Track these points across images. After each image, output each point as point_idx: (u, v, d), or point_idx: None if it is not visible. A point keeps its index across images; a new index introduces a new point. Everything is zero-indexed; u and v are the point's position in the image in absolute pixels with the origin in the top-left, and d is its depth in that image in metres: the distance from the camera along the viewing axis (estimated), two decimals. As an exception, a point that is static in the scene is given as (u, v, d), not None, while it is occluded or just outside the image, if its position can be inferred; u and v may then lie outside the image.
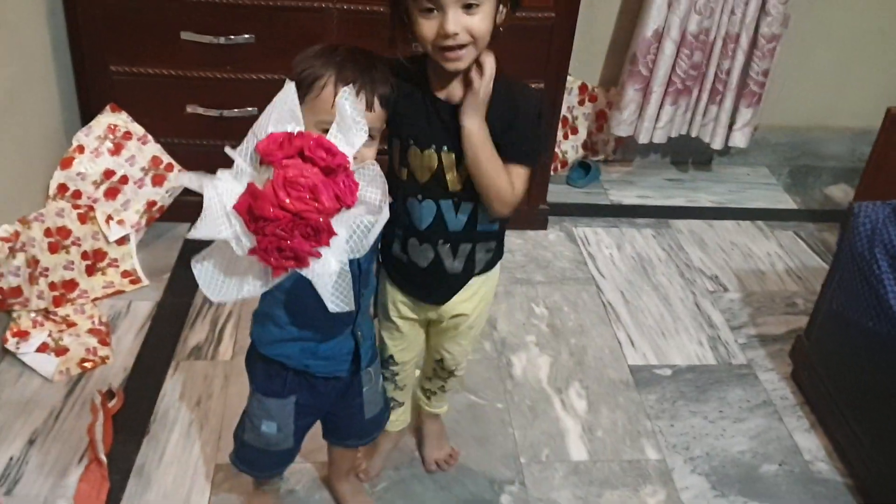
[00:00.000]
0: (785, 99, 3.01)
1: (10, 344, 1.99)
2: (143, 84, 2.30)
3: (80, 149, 2.25)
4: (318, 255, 1.10)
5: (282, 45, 2.27)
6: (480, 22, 1.24)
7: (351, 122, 1.12)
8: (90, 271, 2.23)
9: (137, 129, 2.32)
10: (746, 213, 2.87)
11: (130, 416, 1.88)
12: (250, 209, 1.06)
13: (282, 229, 1.06)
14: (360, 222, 1.13)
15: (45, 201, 2.18)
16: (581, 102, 2.89)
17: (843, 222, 1.93)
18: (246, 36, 2.25)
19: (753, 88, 2.73)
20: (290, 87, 1.13)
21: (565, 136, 2.88)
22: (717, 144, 2.85)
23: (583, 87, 2.87)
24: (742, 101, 2.76)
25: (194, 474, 1.76)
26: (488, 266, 1.53)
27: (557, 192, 2.80)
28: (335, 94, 1.20)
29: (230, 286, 1.14)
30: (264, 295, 1.21)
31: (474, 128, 1.32)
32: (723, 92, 2.74)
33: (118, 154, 2.28)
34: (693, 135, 2.85)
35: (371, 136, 1.19)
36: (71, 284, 2.17)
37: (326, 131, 1.14)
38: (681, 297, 2.43)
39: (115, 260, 2.28)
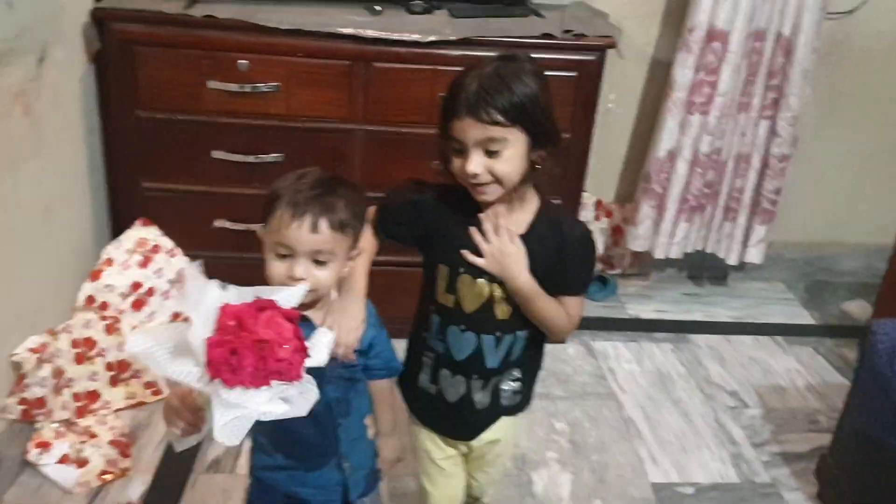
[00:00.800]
0: (798, 215, 3.06)
1: (32, 455, 2.00)
2: (174, 199, 2.38)
3: (109, 262, 2.31)
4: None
5: (310, 162, 2.27)
6: (503, 164, 1.31)
7: (193, 291, 1.08)
8: (114, 382, 2.25)
9: (166, 243, 2.38)
10: (764, 329, 2.88)
11: None
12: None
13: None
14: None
15: (73, 313, 2.23)
16: (597, 218, 2.96)
17: (863, 341, 1.94)
18: (275, 155, 2.34)
19: (766, 206, 2.78)
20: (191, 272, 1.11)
21: (582, 251, 2.93)
22: (732, 260, 2.89)
23: (598, 204, 2.94)
24: (756, 218, 2.81)
25: (211, 593, 1.74)
26: (516, 408, 1.53)
27: (575, 306, 2.83)
28: (286, 218, 1.24)
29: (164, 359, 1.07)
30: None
31: (519, 284, 1.38)
32: (737, 209, 2.80)
33: (146, 266, 2.34)
34: (708, 250, 2.90)
35: (319, 262, 1.26)
36: (94, 395, 2.19)
37: (280, 255, 1.25)
38: (701, 412, 2.42)
39: (139, 371, 2.31)
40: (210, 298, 1.08)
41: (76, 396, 2.14)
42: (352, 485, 1.45)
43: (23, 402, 1.98)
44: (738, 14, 2.47)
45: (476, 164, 1.30)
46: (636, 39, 2.73)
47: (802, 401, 2.52)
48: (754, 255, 2.87)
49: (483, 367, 1.44)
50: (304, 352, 1.09)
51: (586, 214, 2.91)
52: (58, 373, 2.07)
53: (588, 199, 2.90)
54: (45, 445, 2.03)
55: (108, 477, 2.01)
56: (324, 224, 1.25)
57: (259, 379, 1.04)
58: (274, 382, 1.05)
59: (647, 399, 2.46)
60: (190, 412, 1.15)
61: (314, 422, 1.25)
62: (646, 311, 2.90)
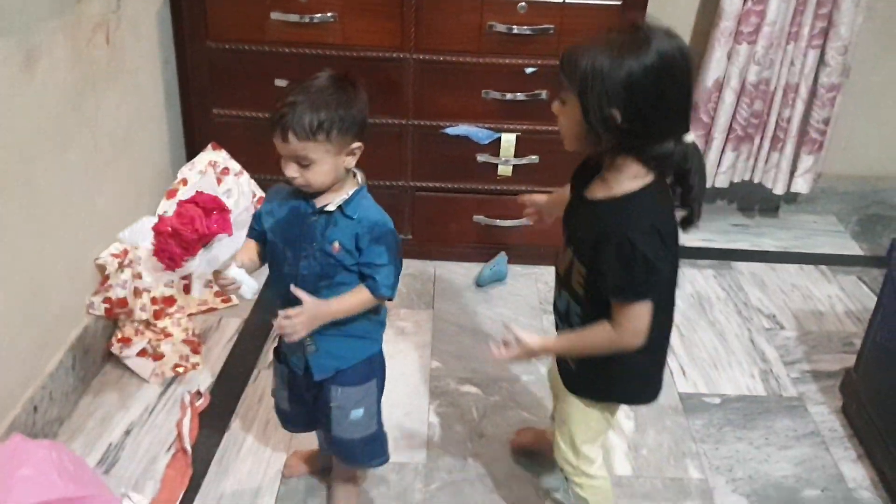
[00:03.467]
0: (853, 148, 3.08)
1: (115, 349, 2.24)
2: (241, 125, 2.58)
3: (184, 181, 2.52)
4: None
5: (366, 91, 2.50)
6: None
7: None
8: (187, 290, 2.48)
9: (234, 165, 2.59)
10: (810, 258, 2.93)
11: (214, 415, 2.10)
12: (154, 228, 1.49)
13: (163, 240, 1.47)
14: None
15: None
16: (648, 150, 3.04)
17: (888, 257, 2.00)
18: (333, 83, 2.50)
19: (814, 136, 2.82)
20: None
21: (633, 182, 3.02)
22: (779, 190, 2.94)
23: (650, 136, 3.02)
24: (803, 148, 2.85)
25: (267, 466, 1.94)
26: (574, 385, 1.56)
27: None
28: (277, 131, 1.43)
29: None
30: None
31: (547, 350, 1.51)
32: (784, 139, 2.84)
33: (218, 186, 2.55)
34: (756, 180, 2.95)
35: (303, 165, 1.44)
36: (170, 300, 2.42)
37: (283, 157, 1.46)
38: (736, 333, 2.51)
39: (210, 280, 2.53)
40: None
41: (154, 300, 2.36)
42: (313, 364, 1.61)
43: (107, 300, 2.22)
44: (787, -57, 2.50)
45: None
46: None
47: (840, 325, 2.58)
48: (801, 185, 2.91)
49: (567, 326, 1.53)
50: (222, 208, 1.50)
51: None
52: (136, 277, 2.30)
53: (639, 130, 2.98)
54: (126, 341, 2.27)
55: (180, 370, 2.25)
56: (290, 135, 1.41)
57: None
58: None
59: (684, 319, 2.56)
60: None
61: (288, 290, 1.50)
62: (692, 239, 2.97)
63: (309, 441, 1.92)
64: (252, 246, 1.60)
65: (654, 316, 1.36)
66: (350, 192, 1.52)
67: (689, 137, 1.32)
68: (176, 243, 1.47)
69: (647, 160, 1.32)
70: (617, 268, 1.32)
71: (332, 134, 1.43)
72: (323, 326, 1.55)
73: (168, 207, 2.47)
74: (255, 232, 1.59)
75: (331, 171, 1.46)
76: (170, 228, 1.47)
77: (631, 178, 1.34)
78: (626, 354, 1.40)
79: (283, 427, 1.86)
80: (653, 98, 1.26)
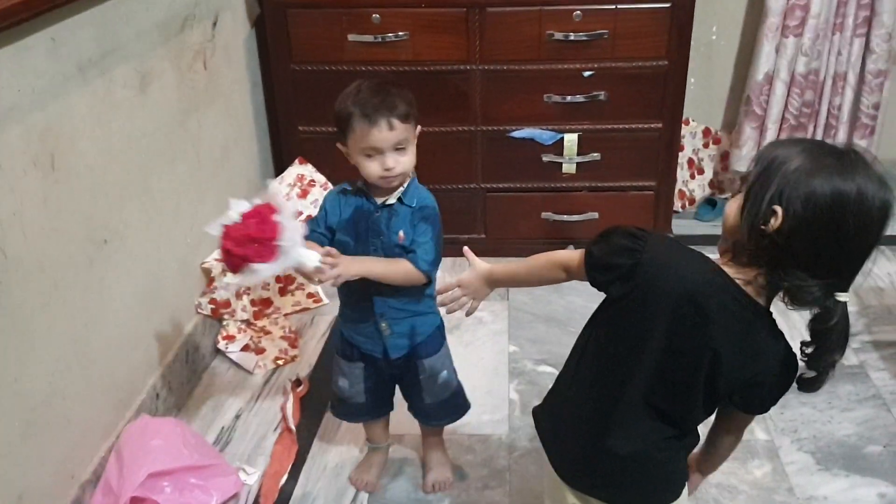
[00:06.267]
0: (907, 133, 3.17)
1: (221, 345, 2.48)
2: (325, 140, 2.79)
3: (275, 194, 2.77)
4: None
5: (437, 102, 2.72)
6: None
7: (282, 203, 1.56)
8: (282, 292, 2.71)
9: (320, 178, 2.82)
10: (870, 240, 3.02)
11: (314, 399, 2.31)
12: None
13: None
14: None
15: (248, 235, 2.70)
16: (706, 145, 3.18)
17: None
18: (406, 97, 2.72)
19: (865, 121, 2.93)
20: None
21: (692, 176, 3.17)
22: (835, 175, 3.04)
23: (706, 131, 3.17)
24: (856, 133, 2.96)
25: (363, 441, 2.14)
26: None
27: (686, 226, 3.08)
28: (365, 127, 1.59)
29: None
30: None
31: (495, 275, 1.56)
32: (836, 126, 2.96)
33: (305, 198, 2.78)
34: (811, 168, 3.06)
35: (400, 149, 1.61)
36: (267, 302, 2.65)
37: (370, 156, 1.61)
38: (799, 311, 2.62)
39: (302, 284, 2.76)
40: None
41: (253, 302, 2.60)
42: (389, 345, 1.80)
43: (212, 301, 2.46)
44: (826, -62, 2.64)
45: None
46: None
47: (900, 299, 2.68)
48: (856, 170, 3.01)
49: None
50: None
51: (695, 142, 3.14)
52: (238, 280, 2.54)
53: (696, 127, 3.13)
54: (230, 338, 2.50)
55: (280, 362, 2.47)
56: (395, 121, 1.59)
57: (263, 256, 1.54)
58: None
59: (747, 300, 2.68)
60: None
61: (359, 284, 1.65)
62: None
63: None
64: (313, 246, 1.73)
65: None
66: (405, 184, 1.70)
67: (844, 297, 1.21)
68: (226, 257, 1.59)
69: (776, 281, 1.21)
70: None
71: (415, 118, 1.65)
72: (393, 311, 1.76)
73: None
74: (316, 234, 1.71)
75: (415, 154, 1.66)
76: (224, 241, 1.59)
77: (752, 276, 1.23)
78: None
79: (352, 420, 2.02)
80: (823, 222, 1.14)
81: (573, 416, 1.39)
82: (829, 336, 1.22)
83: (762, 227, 1.17)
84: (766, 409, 1.34)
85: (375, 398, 1.93)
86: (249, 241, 1.52)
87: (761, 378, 1.28)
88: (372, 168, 1.63)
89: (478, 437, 2.15)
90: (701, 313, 1.22)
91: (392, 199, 1.69)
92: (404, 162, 1.63)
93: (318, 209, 1.78)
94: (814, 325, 1.24)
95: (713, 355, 1.23)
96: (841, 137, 2.97)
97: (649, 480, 1.37)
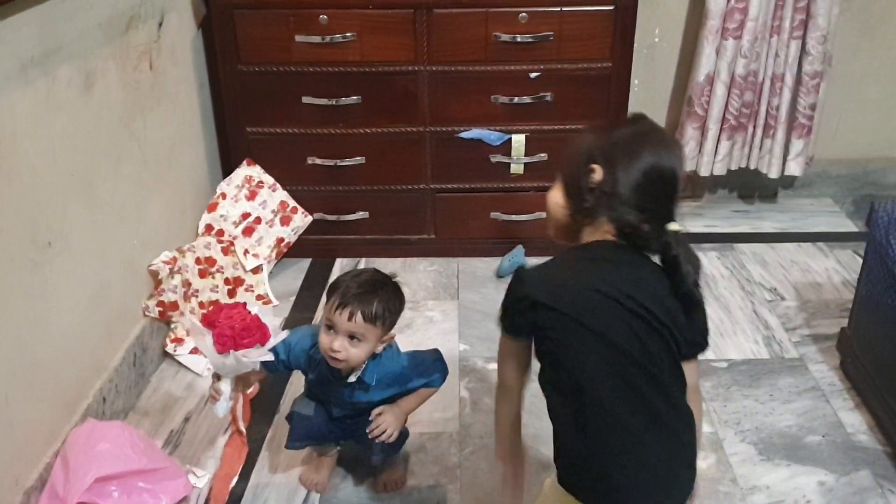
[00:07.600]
0: (843, 134, 3.27)
1: (170, 348, 2.46)
2: (273, 141, 2.81)
3: (223, 195, 2.75)
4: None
5: (384, 103, 2.74)
6: None
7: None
8: (231, 294, 2.69)
9: (268, 179, 2.81)
10: (808, 237, 3.11)
11: (264, 401, 2.30)
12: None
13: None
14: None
15: (196, 237, 2.68)
16: (650, 146, 3.24)
17: (868, 220, 2.20)
18: (354, 98, 2.73)
19: (802, 121, 3.01)
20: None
21: (637, 176, 3.23)
22: (774, 174, 3.13)
23: (650, 132, 3.23)
24: (793, 133, 3.05)
25: (315, 440, 2.14)
26: None
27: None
28: (336, 305, 1.71)
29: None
30: None
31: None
32: (774, 126, 3.04)
33: (253, 199, 2.77)
34: (752, 167, 3.15)
35: (354, 339, 1.72)
36: (216, 304, 2.63)
37: (328, 327, 1.73)
38: (740, 305, 2.70)
39: (251, 285, 2.74)
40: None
41: (201, 304, 2.58)
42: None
43: (160, 304, 2.44)
44: (763, -57, 2.72)
45: None
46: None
47: (837, 294, 2.76)
48: (794, 168, 3.11)
49: None
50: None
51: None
52: (186, 283, 2.52)
53: (640, 128, 3.19)
54: (178, 341, 2.48)
55: (230, 363, 2.46)
56: (359, 316, 1.70)
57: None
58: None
59: (691, 296, 2.74)
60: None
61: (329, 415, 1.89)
62: (696, 226, 3.17)
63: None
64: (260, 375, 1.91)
65: (552, 397, 1.46)
66: (362, 367, 1.79)
67: (674, 227, 1.37)
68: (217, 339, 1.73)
69: (620, 226, 1.38)
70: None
71: (386, 324, 1.75)
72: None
73: (211, 220, 2.70)
74: (273, 365, 1.84)
75: (370, 352, 1.76)
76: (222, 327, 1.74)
77: (602, 234, 1.41)
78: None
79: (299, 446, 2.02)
80: (630, 158, 1.37)
81: (636, 461, 1.36)
82: (679, 262, 1.35)
83: (590, 187, 1.39)
84: (704, 337, 1.49)
85: (338, 427, 1.96)
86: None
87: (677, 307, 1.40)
88: (324, 340, 1.74)
89: (429, 435, 2.17)
90: (612, 284, 1.36)
91: (353, 378, 1.81)
92: (354, 353, 1.73)
93: (282, 345, 1.85)
94: (664, 259, 1.37)
95: (646, 307, 1.35)
96: (779, 137, 3.05)
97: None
